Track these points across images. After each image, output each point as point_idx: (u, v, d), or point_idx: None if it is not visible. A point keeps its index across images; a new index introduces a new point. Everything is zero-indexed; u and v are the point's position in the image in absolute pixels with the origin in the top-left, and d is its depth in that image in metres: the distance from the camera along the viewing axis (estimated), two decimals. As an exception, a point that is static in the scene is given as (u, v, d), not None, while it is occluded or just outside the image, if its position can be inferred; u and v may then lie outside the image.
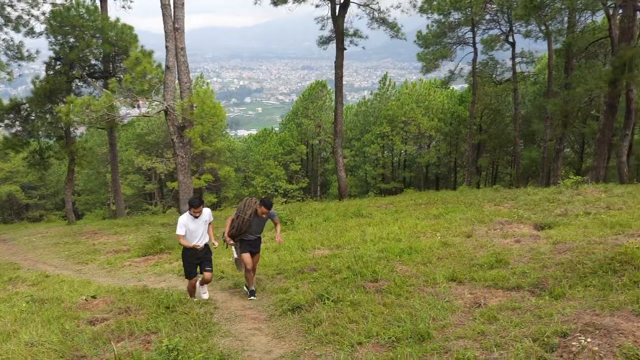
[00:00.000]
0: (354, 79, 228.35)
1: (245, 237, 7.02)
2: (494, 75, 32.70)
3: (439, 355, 3.64)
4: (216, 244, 6.94)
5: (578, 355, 3.34)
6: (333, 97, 30.49)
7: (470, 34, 30.22)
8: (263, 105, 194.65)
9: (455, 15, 29.08)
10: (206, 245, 6.83)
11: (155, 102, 14.88)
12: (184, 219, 6.63)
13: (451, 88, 41.29)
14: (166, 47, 14.90)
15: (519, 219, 8.95)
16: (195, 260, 6.79)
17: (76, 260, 12.24)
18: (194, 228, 6.67)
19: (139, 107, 15.05)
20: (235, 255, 7.09)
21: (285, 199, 36.74)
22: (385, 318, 4.71)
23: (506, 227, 8.46)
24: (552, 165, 27.17)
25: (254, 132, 59.00)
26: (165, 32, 14.88)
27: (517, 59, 30.38)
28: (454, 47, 31.27)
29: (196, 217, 6.64)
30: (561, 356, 3.41)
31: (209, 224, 6.96)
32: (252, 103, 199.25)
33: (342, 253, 8.04)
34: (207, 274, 6.90)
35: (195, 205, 6.56)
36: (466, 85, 38.41)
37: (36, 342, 4.75)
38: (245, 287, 7.32)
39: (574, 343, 3.46)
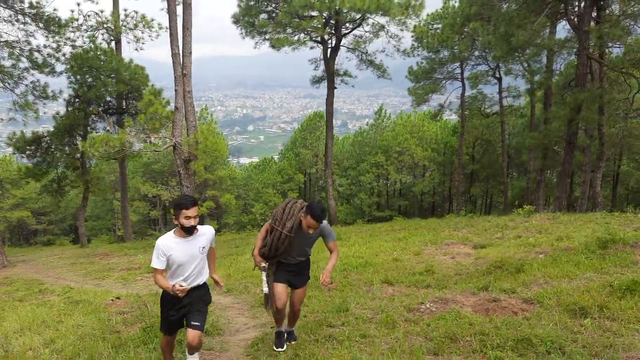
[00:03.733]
0: (356, 107, 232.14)
1: (285, 260, 4.67)
2: (482, 108, 34.69)
3: (346, 317, 5.59)
4: (220, 283, 4.38)
5: (423, 312, 5.18)
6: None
7: (459, 70, 32.24)
8: (265, 133, 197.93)
9: (445, 52, 31.22)
10: (202, 286, 4.19)
11: (166, 138, 16.87)
12: (165, 241, 3.95)
13: (444, 119, 43.25)
14: (175, 90, 16.96)
15: (464, 241, 10.72)
16: (176, 312, 4.12)
17: (93, 277, 13.95)
18: (182, 257, 3.96)
19: (150, 142, 17.01)
20: (266, 289, 4.64)
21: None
22: (326, 302, 6.59)
23: (450, 247, 10.24)
24: (535, 195, 28.87)
25: (255, 159, 61.17)
26: (174, 77, 16.96)
27: (504, 94, 32.38)
28: (444, 81, 33.19)
29: (186, 237, 3.96)
30: (413, 313, 5.30)
31: (210, 249, 4.27)
32: (255, 131, 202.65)
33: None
34: (191, 333, 4.06)
35: (184, 206, 3.83)
36: (457, 118, 40.53)
37: (80, 325, 6.51)
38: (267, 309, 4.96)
39: (422, 307, 5.32)
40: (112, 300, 8.20)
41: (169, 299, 4.09)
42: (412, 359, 4.00)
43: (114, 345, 5.28)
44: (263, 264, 4.66)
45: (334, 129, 24.27)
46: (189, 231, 3.94)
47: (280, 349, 4.78)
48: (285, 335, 4.97)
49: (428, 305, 5.51)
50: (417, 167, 42.19)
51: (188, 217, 3.85)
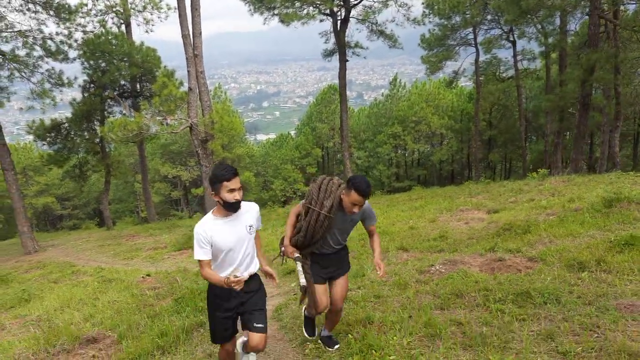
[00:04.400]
0: (371, 77, 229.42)
1: (320, 250, 3.94)
2: (497, 73, 34.20)
3: (362, 281, 5.94)
4: (274, 276, 3.55)
5: (433, 273, 5.49)
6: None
7: (472, 35, 31.73)
8: (280, 109, 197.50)
9: (457, 18, 30.69)
10: (254, 277, 3.51)
11: (182, 119, 17.25)
12: (204, 226, 3.27)
13: (460, 86, 42.78)
14: (188, 71, 17.24)
15: (478, 207, 10.96)
16: (231, 312, 3.47)
17: (122, 257, 14.60)
18: (229, 240, 3.30)
19: (167, 124, 17.41)
20: (303, 280, 3.89)
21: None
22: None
23: (465, 213, 10.49)
24: (552, 158, 28.69)
25: (272, 136, 61.45)
26: (186, 58, 17.21)
27: (519, 57, 31.84)
28: (457, 48, 32.75)
29: (229, 216, 3.31)
30: (424, 275, 5.59)
31: (257, 232, 3.56)
32: (270, 107, 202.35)
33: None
34: (255, 337, 3.41)
35: (225, 177, 3.17)
36: (472, 84, 40.06)
37: (115, 300, 7.03)
38: (305, 332, 4.33)
39: (433, 269, 5.62)
40: (142, 277, 8.71)
41: (220, 297, 3.39)
42: (420, 314, 4.34)
43: (149, 315, 5.74)
44: (297, 254, 3.86)
45: (349, 101, 24.35)
46: (233, 207, 3.22)
47: (330, 348, 4.09)
48: (324, 340, 4.19)
49: (438, 267, 5.83)
50: (434, 136, 42.03)
51: (232, 190, 3.16)
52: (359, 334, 4.16)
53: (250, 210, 3.45)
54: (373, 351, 3.73)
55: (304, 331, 4.32)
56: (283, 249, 3.99)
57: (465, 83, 43.66)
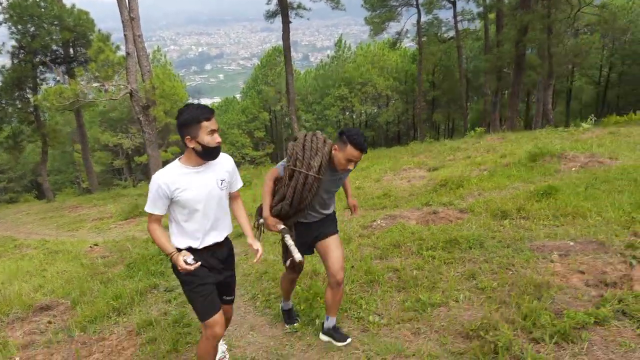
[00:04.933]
0: (316, 38, 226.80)
1: (305, 218, 3.50)
2: (439, 34, 34.85)
3: None
4: (256, 247, 3.04)
5: (375, 228, 5.94)
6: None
7: (414, -5, 32.00)
8: (224, 71, 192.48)
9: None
10: (227, 242, 3.04)
11: (121, 86, 16.70)
12: (166, 175, 2.72)
13: (403, 47, 43.26)
14: (124, 35, 16.58)
15: (420, 165, 11.52)
16: (211, 278, 2.90)
17: (66, 229, 14.29)
18: (196, 196, 2.76)
19: (105, 91, 16.81)
20: (299, 255, 3.23)
21: (252, 166, 38.95)
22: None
23: (407, 172, 11.02)
24: (491, 116, 29.96)
25: (217, 100, 60.16)
26: (122, 21, 16.50)
27: (459, 17, 32.49)
28: (400, 8, 33.00)
29: (200, 165, 2.78)
30: (367, 230, 6.04)
31: (235, 197, 3.15)
32: (213, 70, 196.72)
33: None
34: (225, 308, 3.10)
35: (205, 116, 2.65)
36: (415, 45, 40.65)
37: (65, 270, 7.04)
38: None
39: (374, 224, 6.08)
40: (90, 247, 8.68)
41: (198, 274, 2.77)
42: (362, 264, 4.72)
43: (102, 281, 5.85)
44: (281, 226, 3.31)
45: (295, 63, 24.20)
46: (215, 153, 2.72)
47: (295, 323, 3.82)
48: (330, 333, 3.54)
49: (379, 222, 6.25)
50: (380, 97, 42.63)
51: (212, 132, 2.64)
52: (306, 285, 4.50)
53: (222, 162, 2.86)
54: (318, 298, 4.07)
55: (285, 323, 3.90)
56: (261, 220, 3.42)
57: (409, 44, 44.15)
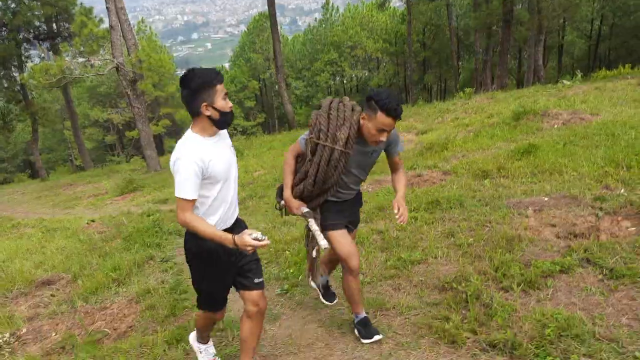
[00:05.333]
0: (304, 1, 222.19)
1: (334, 196, 3.01)
2: (427, -8, 34.35)
3: None
4: (257, 237, 2.31)
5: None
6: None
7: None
8: (212, 40, 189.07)
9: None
10: (238, 221, 2.73)
11: (107, 60, 16.56)
12: (199, 148, 2.40)
13: (392, 7, 42.60)
14: (107, 8, 16.33)
15: (409, 129, 11.66)
16: (226, 264, 2.61)
17: (63, 207, 14.45)
18: (223, 169, 2.50)
19: (91, 66, 16.68)
20: (324, 242, 2.70)
21: (244, 137, 38.87)
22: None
23: (395, 136, 11.20)
24: (482, 75, 29.87)
25: (206, 70, 59.14)
26: (104, -6, 16.27)
27: (448, -26, 31.98)
28: (388, -34, 32.45)
29: (215, 135, 2.51)
30: None
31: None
32: (201, 39, 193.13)
33: (275, 171, 10.62)
34: (255, 295, 2.69)
35: (218, 79, 2.40)
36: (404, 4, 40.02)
37: (64, 247, 7.25)
38: (311, 282, 3.55)
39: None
40: (87, 223, 8.87)
41: (215, 251, 2.48)
42: (348, 228, 4.95)
43: (100, 255, 6.06)
44: (304, 209, 2.89)
45: (284, 27, 23.88)
46: (229, 119, 2.47)
47: (377, 337, 3.01)
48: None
49: (366, 187, 6.46)
50: (370, 60, 42.24)
51: (226, 95, 2.42)
52: (295, 249, 4.72)
53: (224, 132, 2.61)
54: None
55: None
56: (283, 202, 3.01)
57: (397, 4, 43.47)
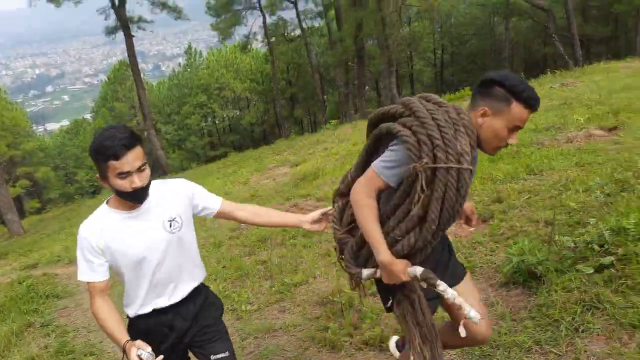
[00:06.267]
0: (165, 47, 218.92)
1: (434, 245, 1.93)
2: (286, 34, 36.22)
3: None
4: (140, 356, 1.85)
5: (243, 229, 6.46)
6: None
7: (256, -1, 32.71)
8: (69, 91, 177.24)
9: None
10: (197, 292, 2.22)
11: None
12: (95, 225, 1.99)
13: (255, 49, 43.99)
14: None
15: (284, 163, 12.20)
16: (169, 345, 2.12)
17: None
18: (135, 248, 1.99)
19: None
20: (474, 313, 1.78)
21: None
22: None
23: (272, 171, 11.63)
24: (345, 107, 31.94)
25: (65, 123, 55.55)
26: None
27: (302, 17, 33.97)
28: (244, 12, 33.51)
29: (135, 209, 2.00)
30: (235, 232, 6.53)
31: (219, 212, 2.34)
32: (57, 91, 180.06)
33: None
34: None
35: (112, 153, 1.82)
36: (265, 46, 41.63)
37: None
38: None
39: (242, 226, 6.60)
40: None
41: (149, 332, 2.07)
42: (233, 262, 5.16)
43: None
44: (419, 269, 1.85)
45: (147, 74, 23.57)
46: (134, 198, 1.94)
47: None
48: None
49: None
50: (240, 100, 42.95)
51: (124, 175, 1.86)
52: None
53: (171, 197, 2.11)
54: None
55: None
56: (371, 272, 1.96)
57: (259, 45, 45.00)
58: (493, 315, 2.97)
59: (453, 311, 2.17)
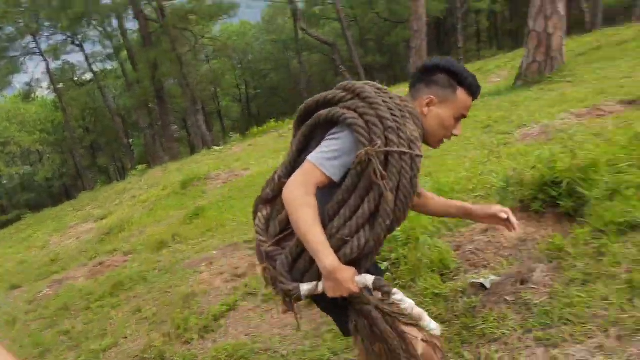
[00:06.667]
0: None
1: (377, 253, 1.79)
2: (75, 78, 33.58)
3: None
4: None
5: (42, 299, 5.91)
6: None
7: (34, 44, 29.73)
8: None
9: (9, 28, 28.11)
10: None
11: None
12: None
13: (41, 97, 39.83)
14: None
15: (87, 218, 11.29)
16: None
17: None
18: None
19: None
20: (435, 324, 1.69)
21: None
22: None
23: (75, 229, 10.67)
24: (153, 150, 30.79)
25: None
26: None
27: (91, 60, 31.91)
28: (22, 58, 30.23)
29: None
30: (33, 304, 5.93)
31: None
32: None
33: None
34: None
35: None
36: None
37: None
38: None
39: (40, 295, 6.02)
40: None
41: None
42: (31, 339, 4.61)
43: None
44: (369, 277, 1.63)
45: None
46: None
47: None
48: None
49: (46, 291, 6.04)
50: (30, 154, 38.19)
51: None
52: None
53: None
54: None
55: None
56: (312, 287, 1.67)
57: (46, 92, 40.97)
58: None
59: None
